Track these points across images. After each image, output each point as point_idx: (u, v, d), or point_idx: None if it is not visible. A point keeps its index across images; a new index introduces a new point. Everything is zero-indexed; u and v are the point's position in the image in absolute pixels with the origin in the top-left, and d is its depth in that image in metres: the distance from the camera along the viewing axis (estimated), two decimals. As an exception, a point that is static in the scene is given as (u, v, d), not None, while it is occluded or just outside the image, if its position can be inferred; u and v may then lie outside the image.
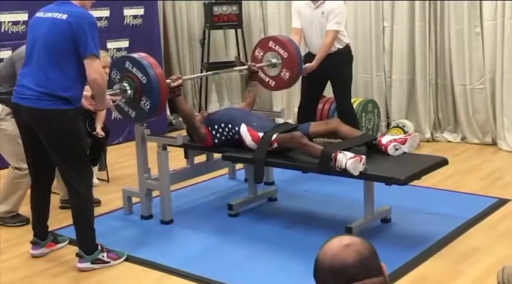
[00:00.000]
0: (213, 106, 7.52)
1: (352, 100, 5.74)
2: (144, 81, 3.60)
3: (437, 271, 3.32)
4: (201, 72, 7.31)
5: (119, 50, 6.62)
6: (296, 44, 4.77)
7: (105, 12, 6.43)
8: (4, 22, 5.61)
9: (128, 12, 6.74)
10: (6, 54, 5.28)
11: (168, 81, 3.83)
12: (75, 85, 3.31)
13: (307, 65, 4.87)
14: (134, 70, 3.63)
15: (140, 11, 6.86)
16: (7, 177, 4.22)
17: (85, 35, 3.19)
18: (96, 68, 3.24)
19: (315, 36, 5.06)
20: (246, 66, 4.67)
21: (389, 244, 3.63)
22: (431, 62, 6.07)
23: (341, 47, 5.08)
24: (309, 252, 3.51)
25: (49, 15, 3.30)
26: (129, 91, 3.65)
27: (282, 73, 4.68)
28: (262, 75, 4.74)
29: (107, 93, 3.52)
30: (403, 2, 6.09)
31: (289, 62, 4.63)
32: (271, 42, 4.71)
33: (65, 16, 3.22)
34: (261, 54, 4.75)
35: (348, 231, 3.68)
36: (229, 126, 4.07)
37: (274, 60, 4.68)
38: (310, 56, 5.07)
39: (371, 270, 1.43)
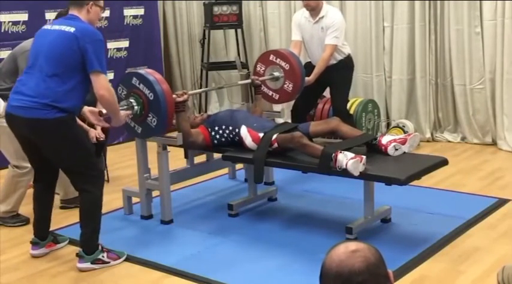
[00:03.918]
0: (213, 107, 7.52)
1: (352, 100, 5.74)
2: (151, 98, 3.59)
3: (437, 271, 3.32)
4: (201, 72, 7.34)
5: (119, 49, 6.62)
6: (297, 56, 4.77)
7: (105, 12, 6.41)
8: (4, 22, 5.61)
9: (128, 12, 6.74)
10: (6, 53, 5.26)
11: (173, 96, 3.82)
12: (74, 96, 3.31)
13: (305, 78, 4.81)
14: (141, 86, 3.63)
15: (140, 11, 6.86)
16: (7, 176, 4.21)
17: (90, 52, 3.22)
18: (103, 84, 3.25)
19: (316, 49, 5.08)
20: (249, 80, 4.66)
21: (389, 244, 3.62)
22: (431, 62, 6.06)
23: (342, 57, 5.10)
24: (309, 252, 3.56)
25: (56, 27, 3.34)
26: (136, 108, 3.64)
27: (285, 86, 4.66)
28: (265, 90, 4.73)
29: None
30: (403, 2, 6.09)
31: (291, 74, 4.61)
32: (272, 56, 4.69)
33: (72, 29, 3.27)
34: (263, 68, 4.73)
35: (348, 231, 3.69)
36: (230, 128, 4.07)
37: (276, 73, 4.66)
38: (310, 66, 5.09)
39: (378, 277, 1.39)
